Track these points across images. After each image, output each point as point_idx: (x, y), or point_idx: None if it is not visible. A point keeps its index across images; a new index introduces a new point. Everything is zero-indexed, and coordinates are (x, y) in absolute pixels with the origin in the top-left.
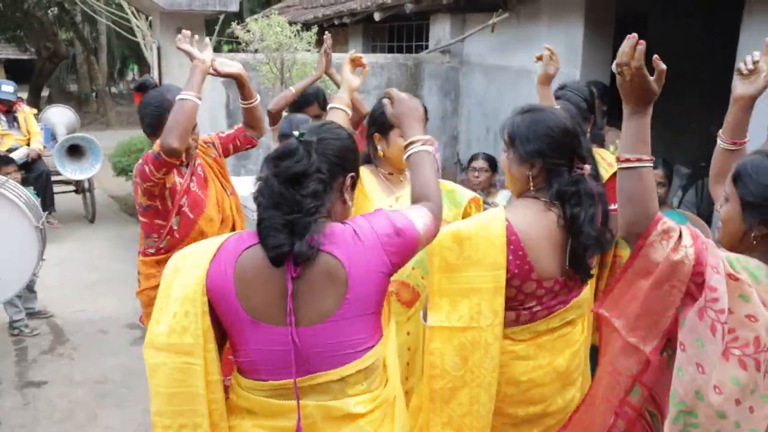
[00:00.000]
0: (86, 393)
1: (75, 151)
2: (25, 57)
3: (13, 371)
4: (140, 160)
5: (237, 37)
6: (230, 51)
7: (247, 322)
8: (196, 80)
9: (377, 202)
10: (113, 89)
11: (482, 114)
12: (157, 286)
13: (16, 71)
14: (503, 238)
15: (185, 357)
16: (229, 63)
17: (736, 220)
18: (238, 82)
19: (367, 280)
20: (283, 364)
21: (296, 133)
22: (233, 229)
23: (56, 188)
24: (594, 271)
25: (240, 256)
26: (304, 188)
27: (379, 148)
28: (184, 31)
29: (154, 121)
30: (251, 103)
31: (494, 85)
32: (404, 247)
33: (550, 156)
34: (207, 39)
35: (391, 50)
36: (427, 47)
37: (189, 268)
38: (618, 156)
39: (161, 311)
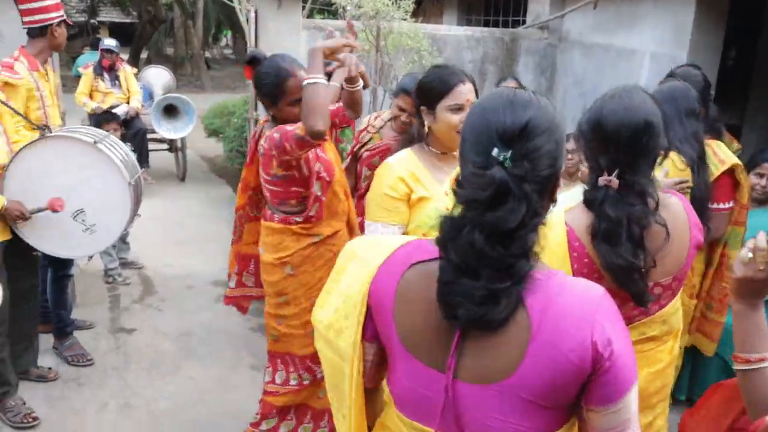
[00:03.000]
0: (171, 344)
1: (170, 111)
2: (127, 21)
3: (107, 317)
4: (276, 134)
5: (331, 4)
6: (323, 19)
7: (398, 349)
8: (316, 62)
9: (434, 194)
10: (207, 54)
11: (579, 93)
12: (308, 246)
13: (119, 34)
14: (565, 245)
15: (337, 358)
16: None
17: None
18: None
19: (551, 358)
20: (429, 410)
21: (496, 153)
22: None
23: (151, 146)
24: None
25: (408, 270)
26: (516, 244)
27: (426, 122)
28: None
29: (274, 90)
30: (355, 87)
31: (593, 64)
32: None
33: (587, 149)
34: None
35: (486, 24)
36: (524, 22)
37: (361, 261)
38: (735, 355)
39: (329, 294)
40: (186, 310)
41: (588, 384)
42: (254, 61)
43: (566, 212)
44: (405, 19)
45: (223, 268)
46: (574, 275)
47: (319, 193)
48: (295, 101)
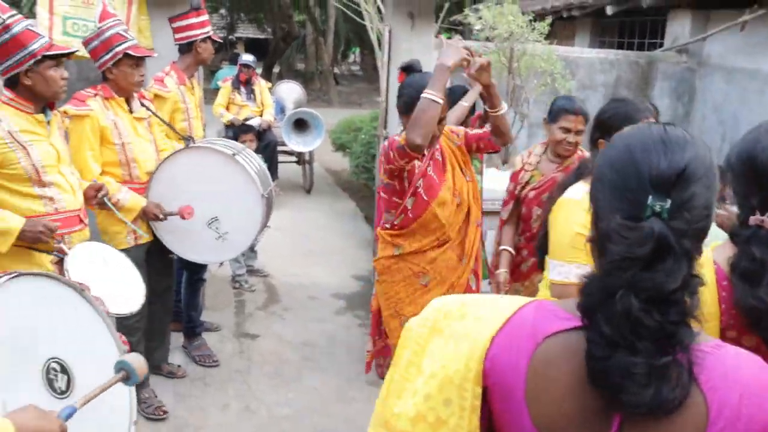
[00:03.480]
0: (293, 352)
1: (300, 124)
2: (261, 36)
3: (233, 321)
4: (386, 143)
5: (458, 25)
6: (449, 39)
7: None
8: (441, 80)
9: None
10: (336, 69)
11: (718, 121)
12: (390, 257)
13: (254, 49)
14: (714, 285)
15: None
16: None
17: None
18: (485, 89)
19: None
20: None
21: (652, 201)
22: (468, 214)
23: (280, 158)
24: None
25: (544, 342)
26: (674, 310)
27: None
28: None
29: (410, 102)
30: (497, 111)
31: (736, 90)
32: None
33: (736, 184)
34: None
35: (620, 47)
36: (660, 45)
37: (459, 334)
38: None
39: (405, 382)
40: (308, 320)
41: None
42: (408, 70)
43: (713, 250)
44: (539, 41)
45: (346, 281)
46: (722, 317)
47: (409, 207)
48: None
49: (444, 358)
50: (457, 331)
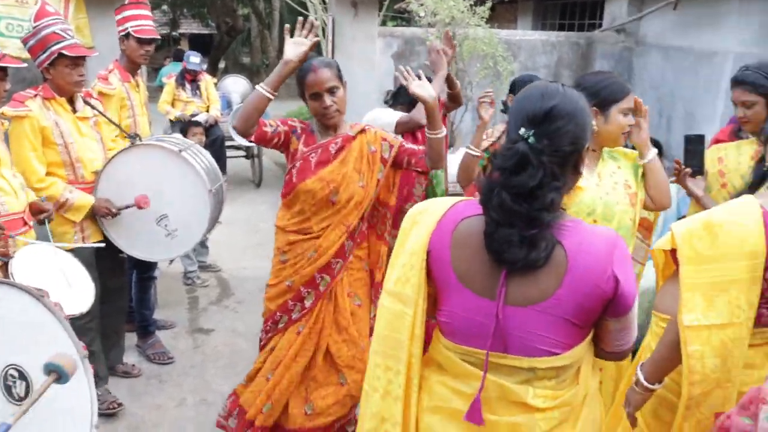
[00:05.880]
0: (247, 344)
1: None
2: (205, 32)
3: (186, 317)
4: None
5: (404, 12)
6: (396, 26)
7: (455, 286)
8: (277, 74)
9: (587, 185)
10: None
11: (656, 97)
12: (280, 226)
13: (198, 44)
14: (761, 224)
15: (401, 305)
16: (424, 86)
17: None
18: (429, 111)
19: (582, 285)
20: (480, 334)
21: (523, 131)
22: (348, 216)
23: (229, 153)
24: None
25: (458, 225)
26: (539, 201)
27: (594, 123)
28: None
29: (298, 82)
30: (435, 134)
31: (672, 68)
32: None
33: None
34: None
35: (561, 28)
36: (600, 26)
37: (421, 225)
38: None
39: (396, 257)
40: (260, 312)
41: (608, 305)
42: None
43: (759, 196)
44: (480, 26)
45: None
46: (767, 255)
47: (285, 179)
48: (313, 95)
49: (414, 238)
50: (422, 222)
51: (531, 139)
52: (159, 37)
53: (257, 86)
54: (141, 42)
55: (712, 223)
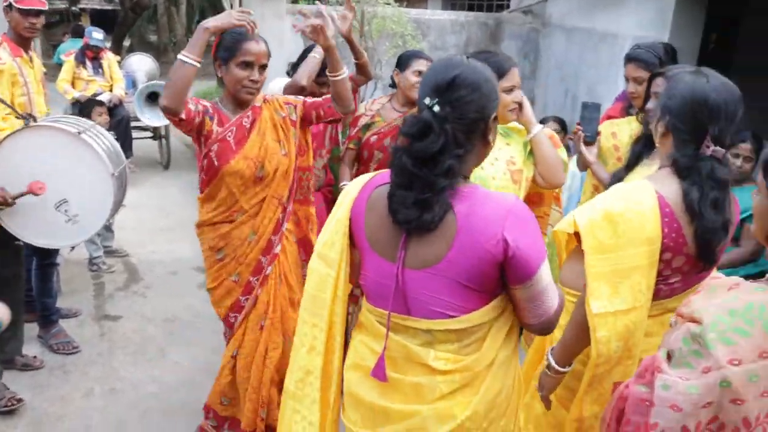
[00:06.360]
0: (157, 329)
1: (154, 98)
2: (108, 7)
3: (92, 304)
4: None
5: None
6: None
7: (367, 250)
8: (197, 41)
9: None
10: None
11: (560, 77)
12: (204, 223)
13: (100, 21)
14: (657, 210)
15: (327, 267)
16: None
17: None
18: (326, 51)
19: (472, 249)
20: (385, 295)
21: (428, 101)
22: (278, 188)
23: (134, 134)
24: None
25: (373, 192)
26: (438, 167)
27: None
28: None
29: (231, 45)
30: (338, 75)
31: (575, 48)
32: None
33: (676, 118)
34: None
35: (470, 9)
36: (507, 6)
37: (348, 194)
38: None
39: (328, 224)
40: (170, 296)
41: (504, 269)
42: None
43: (649, 180)
44: (389, 4)
45: None
46: (663, 239)
47: (203, 168)
48: (244, 63)
49: (341, 207)
50: (351, 189)
51: (435, 108)
52: (45, 7)
53: (180, 56)
54: (24, 13)
55: (612, 213)
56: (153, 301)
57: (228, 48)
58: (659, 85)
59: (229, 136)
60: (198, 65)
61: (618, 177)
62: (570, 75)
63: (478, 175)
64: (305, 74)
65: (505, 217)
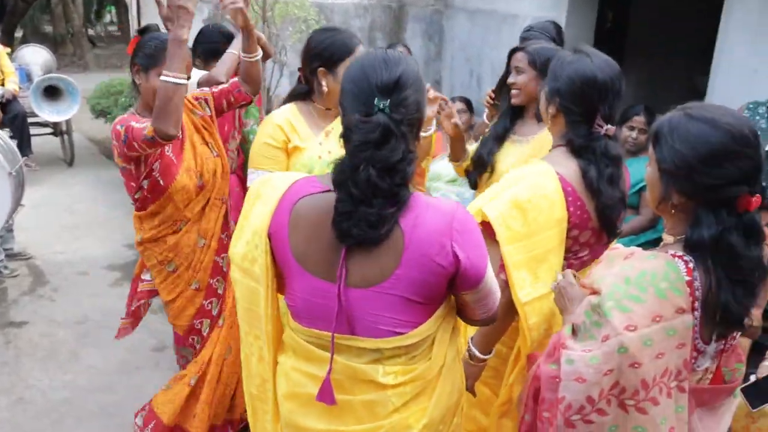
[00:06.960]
0: (67, 333)
1: (52, 92)
2: None
3: None
4: (120, 126)
5: None
6: None
7: (294, 268)
8: (178, 57)
9: (308, 144)
10: (90, 31)
11: (465, 58)
12: (138, 243)
13: None
14: (560, 191)
15: (253, 282)
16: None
17: (656, 186)
18: (243, 32)
19: (421, 263)
20: (325, 316)
21: (377, 102)
22: (219, 190)
23: (33, 130)
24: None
25: (297, 203)
26: (398, 176)
27: (324, 83)
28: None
29: (155, 53)
30: (252, 57)
31: (478, 30)
32: (473, 253)
33: (567, 100)
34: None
35: None
36: None
37: (264, 200)
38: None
39: (241, 231)
40: (81, 297)
41: (454, 279)
42: (145, 32)
43: (547, 160)
44: None
45: (118, 251)
46: (569, 217)
47: (145, 188)
48: None
49: (257, 215)
50: (265, 196)
51: (388, 110)
52: None
53: (165, 79)
54: None
55: (520, 201)
56: (62, 304)
57: (150, 56)
58: (519, 59)
59: (168, 151)
60: (188, 81)
61: (489, 150)
62: (474, 56)
63: (324, 159)
64: (223, 71)
65: (450, 226)
